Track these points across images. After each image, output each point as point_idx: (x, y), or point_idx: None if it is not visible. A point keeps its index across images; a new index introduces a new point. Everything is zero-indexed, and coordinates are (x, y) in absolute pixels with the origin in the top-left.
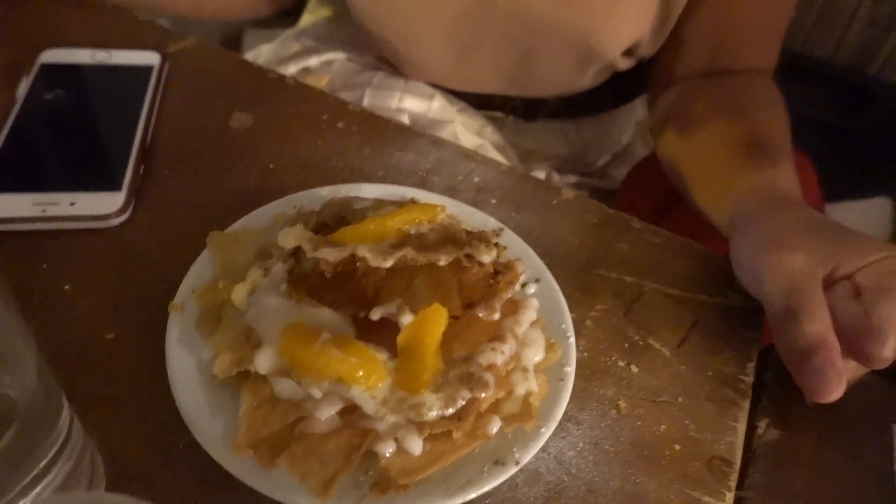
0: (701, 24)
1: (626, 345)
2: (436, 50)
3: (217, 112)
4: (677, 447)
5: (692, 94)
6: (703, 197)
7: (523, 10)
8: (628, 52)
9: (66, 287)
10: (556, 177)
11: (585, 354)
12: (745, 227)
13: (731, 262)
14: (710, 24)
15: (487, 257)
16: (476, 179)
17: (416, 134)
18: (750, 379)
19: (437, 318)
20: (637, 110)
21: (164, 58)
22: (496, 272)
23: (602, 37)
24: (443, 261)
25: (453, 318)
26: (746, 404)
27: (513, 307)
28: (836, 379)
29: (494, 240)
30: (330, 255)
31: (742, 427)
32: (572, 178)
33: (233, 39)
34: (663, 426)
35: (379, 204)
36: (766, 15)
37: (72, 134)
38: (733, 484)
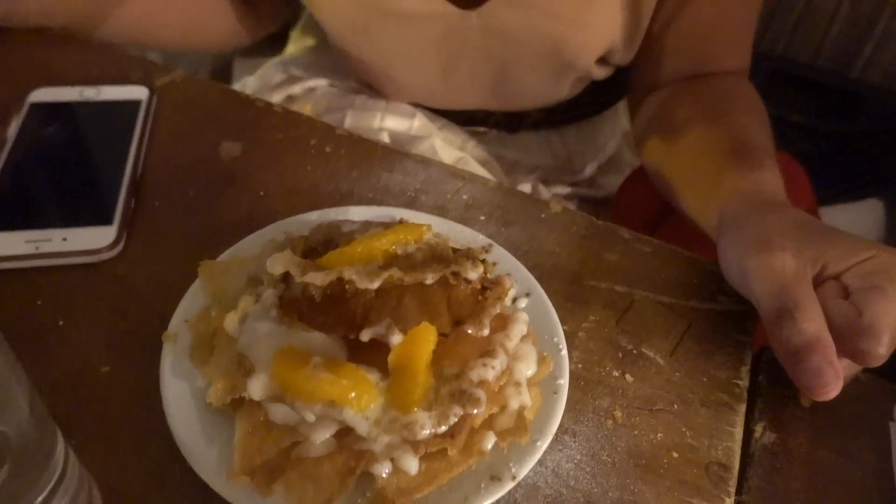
0: (673, 30)
1: (620, 354)
2: (414, 71)
3: (206, 142)
4: (675, 455)
5: (672, 102)
6: (690, 202)
7: (495, 25)
8: (602, 61)
9: (61, 322)
10: (544, 189)
11: (579, 366)
12: (733, 229)
13: (720, 264)
14: (683, 30)
15: (474, 274)
16: (464, 197)
17: (403, 154)
18: (744, 383)
19: (427, 337)
20: (620, 117)
21: (153, 91)
22: (484, 288)
23: (573, 46)
24: (429, 279)
25: (443, 335)
26: (742, 409)
27: (502, 322)
28: (834, 376)
29: (481, 256)
30: (318, 279)
31: (738, 432)
32: (563, 189)
33: (222, 70)
34: (660, 434)
35: (367, 226)
36: (735, 16)
37: (63, 171)
38: (732, 489)
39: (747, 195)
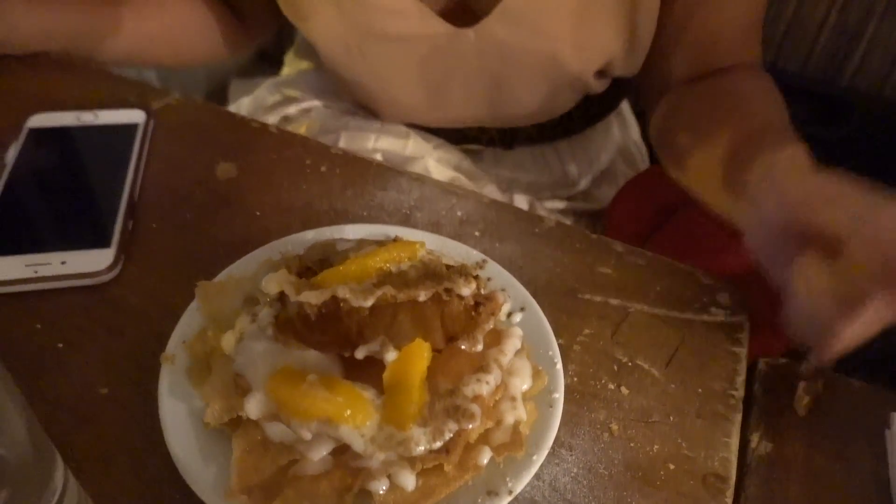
0: (683, 36)
1: (615, 367)
2: (409, 91)
3: (202, 164)
4: (671, 466)
5: (691, 97)
6: (716, 193)
7: (492, 43)
8: (601, 73)
9: (59, 345)
10: (539, 204)
11: (575, 379)
12: (769, 198)
13: (749, 238)
14: (693, 35)
15: (467, 290)
16: (459, 213)
17: (397, 172)
18: (739, 393)
19: (421, 353)
20: (613, 129)
21: (149, 114)
22: (477, 304)
23: (572, 62)
24: (422, 296)
25: (437, 351)
26: (738, 419)
27: (496, 337)
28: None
29: (474, 272)
30: (312, 297)
31: (735, 442)
32: (558, 204)
33: (218, 91)
34: (656, 446)
35: (361, 244)
36: (743, 16)
37: (61, 195)
38: (729, 500)
39: (776, 167)
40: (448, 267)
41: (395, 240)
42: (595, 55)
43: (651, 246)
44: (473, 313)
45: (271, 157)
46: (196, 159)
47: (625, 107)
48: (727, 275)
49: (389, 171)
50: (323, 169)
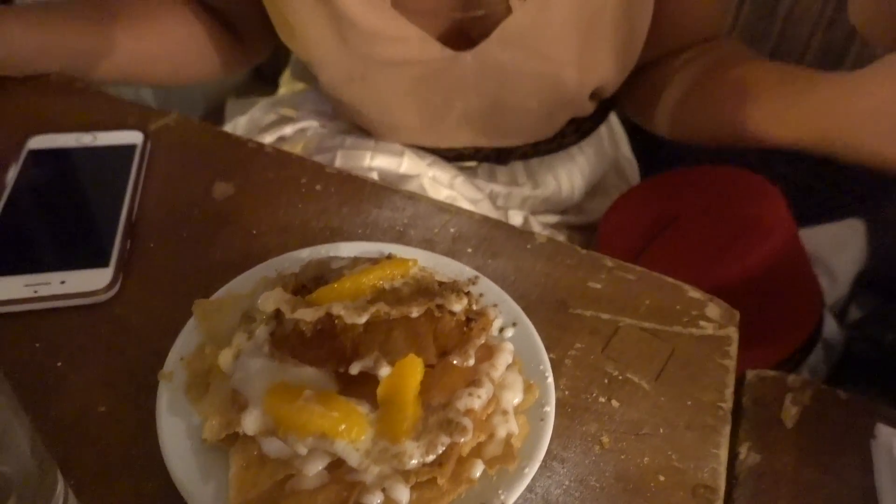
0: (657, 26)
1: (606, 380)
2: (409, 114)
3: (199, 183)
4: (661, 478)
5: (707, 79)
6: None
7: (491, 66)
8: (593, 96)
9: (59, 364)
10: (533, 219)
11: (566, 393)
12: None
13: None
14: (661, 23)
15: (458, 306)
16: (451, 230)
17: (391, 191)
18: (728, 405)
19: (414, 368)
20: (604, 143)
21: (147, 136)
22: (469, 319)
23: (570, 86)
24: (415, 312)
25: (430, 366)
26: (727, 430)
27: (488, 352)
28: None
29: (466, 289)
30: (307, 315)
31: (724, 454)
32: (552, 218)
33: (215, 111)
34: (647, 458)
35: (355, 262)
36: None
37: (60, 215)
38: None
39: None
40: (440, 283)
41: (389, 257)
42: (594, 78)
43: (643, 260)
44: (465, 329)
45: (268, 177)
46: (193, 179)
47: (615, 122)
48: (718, 288)
49: (384, 190)
50: (318, 188)
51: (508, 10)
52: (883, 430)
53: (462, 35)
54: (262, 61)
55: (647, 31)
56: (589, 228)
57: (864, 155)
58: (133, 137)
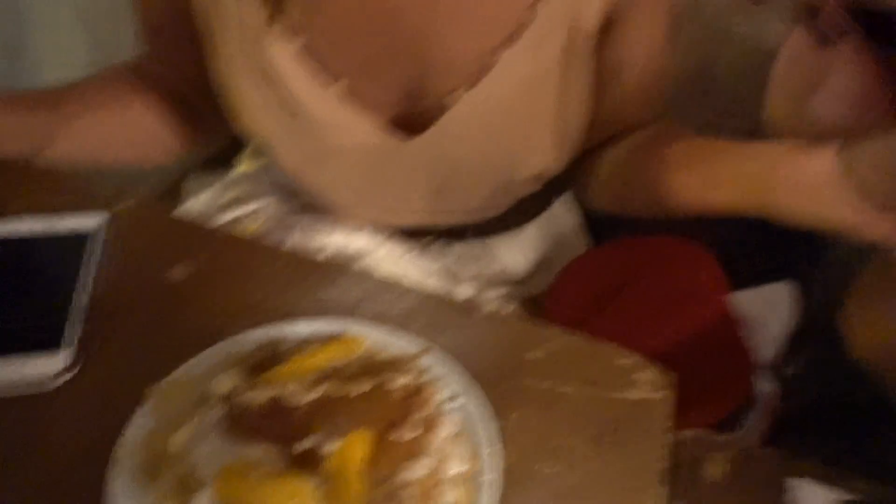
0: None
1: (548, 447)
2: (362, 196)
3: (155, 266)
4: None
5: (636, 158)
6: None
7: (439, 152)
8: (538, 177)
9: (12, 451)
10: (484, 293)
11: (510, 460)
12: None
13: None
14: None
15: (403, 380)
16: (401, 306)
17: (344, 268)
18: (664, 466)
19: (360, 443)
20: (555, 218)
21: (105, 219)
22: (412, 393)
23: (515, 171)
24: (361, 389)
25: (376, 440)
26: (663, 491)
27: (433, 423)
28: None
29: (409, 364)
30: (258, 395)
31: None
32: (502, 291)
33: (175, 190)
34: None
35: (306, 342)
36: (649, 81)
37: (13, 299)
38: None
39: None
40: (386, 361)
41: (340, 336)
42: (536, 164)
43: (588, 329)
44: (409, 402)
45: (223, 258)
46: (149, 262)
47: (565, 198)
48: (656, 353)
49: (336, 268)
50: (272, 268)
51: (453, 101)
52: (792, 484)
53: (412, 122)
54: (222, 141)
55: (589, 119)
56: (539, 300)
57: (806, 218)
58: (91, 221)
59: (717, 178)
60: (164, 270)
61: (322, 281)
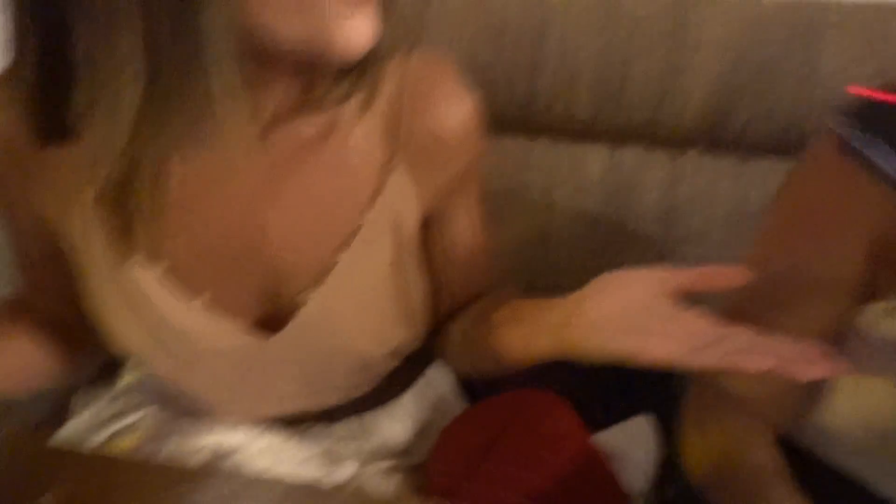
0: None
1: None
2: (235, 394)
3: (25, 497)
4: None
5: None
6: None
7: (298, 347)
8: (395, 353)
9: None
10: (366, 469)
11: None
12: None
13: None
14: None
15: None
16: (270, 497)
17: (213, 470)
18: None
19: None
20: (429, 385)
21: None
22: None
23: (371, 353)
24: None
25: None
26: None
27: None
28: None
29: None
30: None
31: None
32: (385, 464)
33: (60, 408)
34: None
35: None
36: (477, 258)
37: None
38: None
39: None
40: None
41: None
42: (389, 344)
43: (470, 489)
44: None
45: (95, 484)
46: (19, 493)
47: (438, 363)
48: (529, 499)
49: (205, 471)
50: (141, 483)
51: (304, 299)
52: None
53: (271, 321)
54: (107, 356)
55: (430, 298)
56: (422, 468)
57: (605, 354)
58: None
59: (536, 330)
60: (35, 499)
61: (192, 487)
